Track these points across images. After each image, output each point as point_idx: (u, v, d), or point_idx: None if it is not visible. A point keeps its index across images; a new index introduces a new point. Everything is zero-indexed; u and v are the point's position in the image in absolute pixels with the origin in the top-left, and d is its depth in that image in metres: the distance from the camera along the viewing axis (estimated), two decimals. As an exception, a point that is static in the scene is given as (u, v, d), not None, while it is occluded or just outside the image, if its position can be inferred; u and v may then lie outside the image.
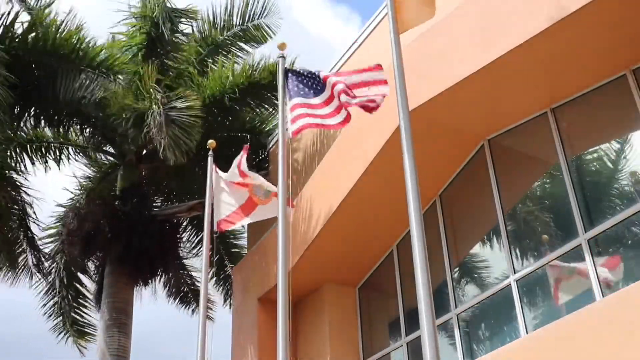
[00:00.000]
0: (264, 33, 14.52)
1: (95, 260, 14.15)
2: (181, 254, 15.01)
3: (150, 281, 14.62)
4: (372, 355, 10.65)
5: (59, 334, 14.90)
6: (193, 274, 15.64)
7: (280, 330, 5.75)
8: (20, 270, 13.94)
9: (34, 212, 13.52)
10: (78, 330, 14.89)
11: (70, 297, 14.60)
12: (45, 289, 14.67)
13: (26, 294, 15.29)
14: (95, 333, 14.78)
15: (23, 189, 13.34)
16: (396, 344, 10.19)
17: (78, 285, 14.74)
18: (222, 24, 14.46)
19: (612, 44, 7.40)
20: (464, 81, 8.13)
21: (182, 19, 13.79)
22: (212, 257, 15.34)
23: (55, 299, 14.64)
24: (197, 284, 15.59)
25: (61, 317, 14.75)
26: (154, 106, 11.33)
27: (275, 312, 5.93)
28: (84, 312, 14.91)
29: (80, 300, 14.85)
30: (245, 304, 12.32)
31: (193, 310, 16.03)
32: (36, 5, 12.31)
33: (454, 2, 8.59)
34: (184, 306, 15.98)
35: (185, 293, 15.80)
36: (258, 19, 14.41)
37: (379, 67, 6.94)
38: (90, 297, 14.80)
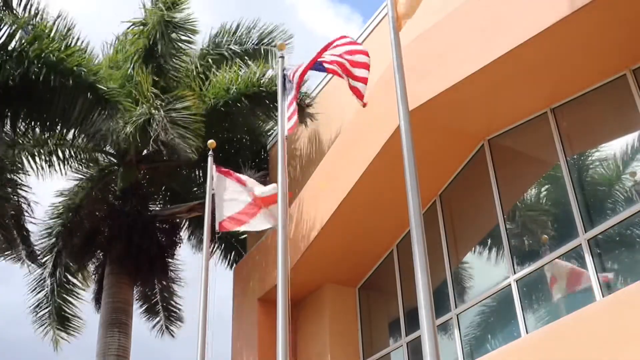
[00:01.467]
0: (273, 56, 14.54)
1: (95, 260, 14.14)
2: (169, 265, 14.76)
3: (150, 281, 14.64)
4: (372, 355, 10.65)
5: (41, 326, 14.62)
6: (172, 285, 15.42)
7: (280, 330, 5.75)
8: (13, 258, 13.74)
9: (31, 210, 13.41)
10: (61, 322, 14.61)
11: (58, 288, 14.38)
12: (37, 280, 14.48)
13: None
14: (81, 326, 14.75)
15: (18, 185, 13.21)
16: (396, 344, 10.19)
17: (69, 276, 14.54)
18: (235, 38, 14.45)
19: (612, 44, 7.40)
20: (464, 81, 8.13)
21: (181, 33, 13.68)
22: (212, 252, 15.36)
23: (45, 291, 14.43)
24: (174, 297, 15.51)
25: (47, 309, 14.49)
26: (154, 111, 11.35)
27: (275, 312, 5.92)
28: (70, 305, 14.69)
29: (69, 293, 14.64)
30: (245, 304, 12.33)
31: (154, 325, 15.76)
32: (23, 15, 12.15)
33: (454, 2, 8.59)
34: (148, 317, 15.72)
35: (153, 304, 15.59)
36: (272, 46, 14.44)
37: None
38: (80, 289, 14.69)
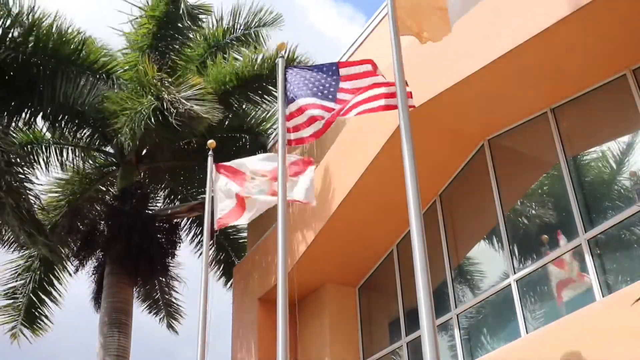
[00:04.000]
0: (264, 39, 14.64)
1: (95, 260, 14.11)
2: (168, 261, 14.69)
3: (149, 281, 14.64)
4: (372, 355, 10.65)
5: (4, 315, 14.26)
6: (171, 282, 15.48)
7: (280, 330, 5.75)
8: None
9: (40, 202, 13.22)
10: (28, 319, 14.27)
11: (35, 284, 14.19)
12: (18, 268, 14.24)
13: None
14: (47, 327, 14.50)
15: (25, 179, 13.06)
16: (396, 344, 10.19)
17: (51, 275, 14.36)
18: (226, 26, 14.52)
19: (612, 44, 7.40)
20: (464, 81, 8.13)
21: (200, 15, 13.85)
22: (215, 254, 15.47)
23: (23, 281, 14.20)
24: (172, 293, 15.63)
25: (19, 300, 14.15)
26: (165, 91, 11.30)
27: (275, 312, 5.92)
28: (45, 304, 14.43)
29: (46, 292, 14.43)
30: (245, 304, 12.33)
31: (161, 319, 15.96)
32: (16, 8, 12.08)
33: (454, 2, 8.58)
34: (151, 313, 15.88)
35: (155, 300, 15.73)
36: (263, 27, 14.48)
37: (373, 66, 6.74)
38: (59, 291, 14.52)
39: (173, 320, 16.08)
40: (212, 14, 14.18)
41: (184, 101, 11.11)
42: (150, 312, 15.89)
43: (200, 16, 14.03)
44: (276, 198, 8.35)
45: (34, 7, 11.94)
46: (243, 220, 9.04)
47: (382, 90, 6.37)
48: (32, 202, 12.45)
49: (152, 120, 11.25)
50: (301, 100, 6.84)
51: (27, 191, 12.28)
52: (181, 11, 13.10)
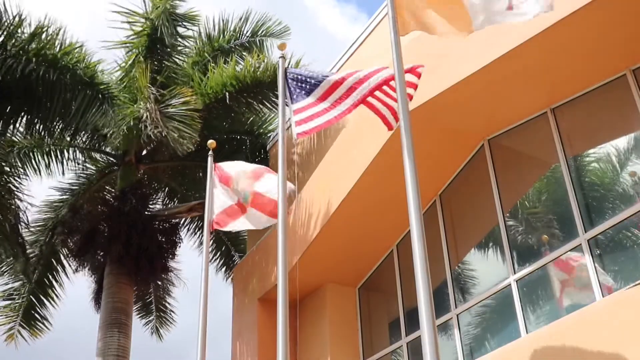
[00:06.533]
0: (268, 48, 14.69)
1: (95, 260, 14.09)
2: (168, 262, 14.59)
3: (149, 281, 14.62)
4: (372, 355, 10.65)
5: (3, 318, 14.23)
6: (168, 286, 15.45)
7: (280, 330, 5.75)
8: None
9: (27, 217, 13.13)
10: (26, 319, 14.25)
11: (34, 285, 14.14)
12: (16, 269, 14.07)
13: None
14: (46, 329, 14.49)
15: (16, 191, 12.95)
16: (396, 344, 10.19)
17: (51, 278, 14.36)
18: (231, 31, 14.53)
19: (612, 44, 7.40)
20: (464, 81, 8.13)
21: (184, 23, 13.81)
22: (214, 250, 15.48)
23: (20, 282, 14.17)
24: (166, 296, 15.64)
25: (17, 301, 14.12)
26: (148, 105, 11.30)
27: (275, 312, 5.92)
28: (43, 305, 14.40)
29: (45, 293, 14.40)
30: (245, 304, 12.33)
31: (147, 322, 15.97)
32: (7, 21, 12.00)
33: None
34: (140, 316, 15.83)
35: (147, 303, 15.75)
36: (270, 36, 14.52)
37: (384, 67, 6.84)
38: (58, 291, 14.51)
39: (160, 327, 16.03)
40: (198, 24, 14.09)
41: (161, 121, 11.04)
42: (138, 315, 15.72)
43: (189, 24, 13.98)
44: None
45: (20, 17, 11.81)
46: (237, 226, 9.04)
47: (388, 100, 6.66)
48: (21, 215, 12.39)
49: (132, 126, 11.28)
50: (299, 102, 7.03)
51: (16, 200, 12.21)
52: (161, 21, 13.03)
